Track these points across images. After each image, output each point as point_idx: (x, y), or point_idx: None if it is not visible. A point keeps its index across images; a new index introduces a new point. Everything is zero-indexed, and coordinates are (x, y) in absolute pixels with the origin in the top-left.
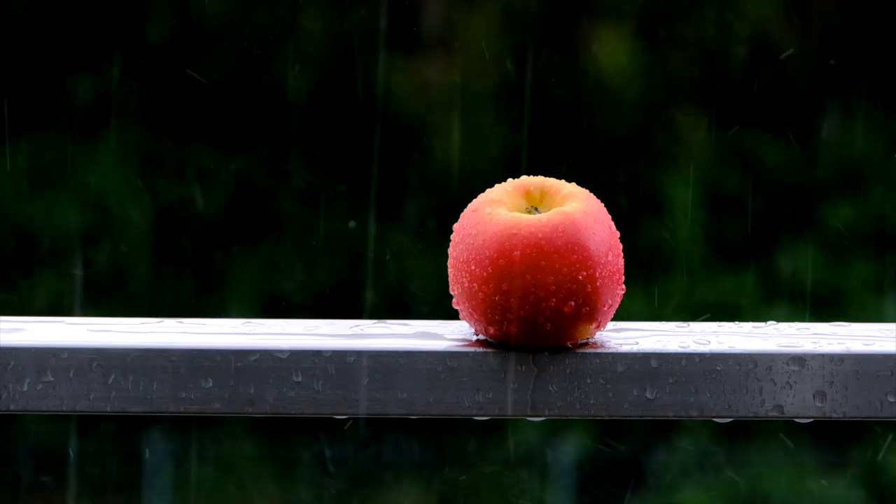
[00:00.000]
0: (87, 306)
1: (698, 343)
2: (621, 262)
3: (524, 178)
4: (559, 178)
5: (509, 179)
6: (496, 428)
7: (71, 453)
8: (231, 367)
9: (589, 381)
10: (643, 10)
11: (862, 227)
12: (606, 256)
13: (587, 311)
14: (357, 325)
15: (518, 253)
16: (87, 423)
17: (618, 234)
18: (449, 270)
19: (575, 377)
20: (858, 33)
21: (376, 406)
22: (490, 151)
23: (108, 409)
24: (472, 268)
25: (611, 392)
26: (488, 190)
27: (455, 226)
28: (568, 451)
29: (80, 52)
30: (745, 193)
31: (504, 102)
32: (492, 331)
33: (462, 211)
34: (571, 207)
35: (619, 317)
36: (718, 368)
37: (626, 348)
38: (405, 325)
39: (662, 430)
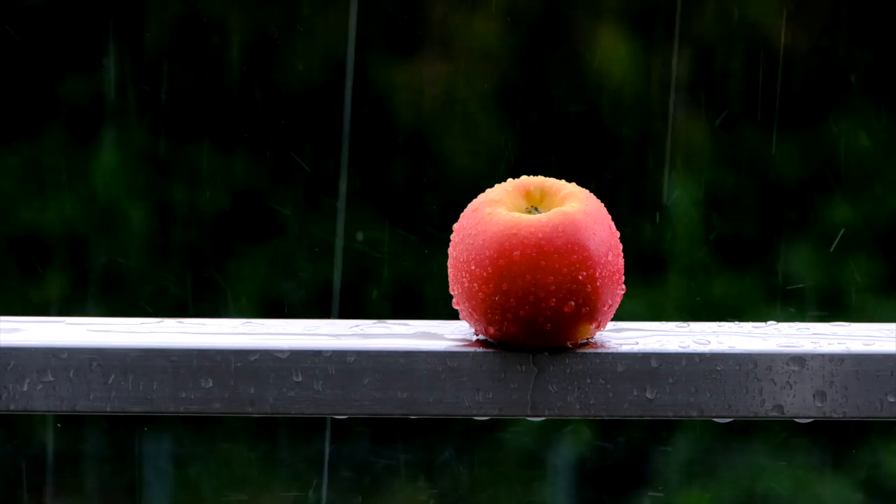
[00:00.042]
0: (87, 306)
1: (698, 343)
2: (621, 262)
3: (524, 178)
4: (559, 178)
5: (509, 179)
6: (496, 428)
7: (71, 453)
8: (231, 367)
9: (589, 381)
10: (643, 10)
11: (862, 227)
12: (606, 256)
13: (587, 311)
14: (357, 325)
15: (518, 253)
16: (87, 423)
17: (618, 234)
18: (449, 270)
19: (575, 377)
20: (859, 33)
21: (376, 406)
22: (490, 151)
23: (108, 409)
24: (472, 268)
25: (611, 392)
26: (488, 190)
27: (455, 226)
28: (568, 451)
29: (80, 52)
30: (745, 193)
31: (504, 102)
32: (492, 331)
33: (462, 211)
34: (571, 207)
35: (619, 317)
36: (718, 368)
37: (626, 348)
38: (405, 325)
39: (662, 430)
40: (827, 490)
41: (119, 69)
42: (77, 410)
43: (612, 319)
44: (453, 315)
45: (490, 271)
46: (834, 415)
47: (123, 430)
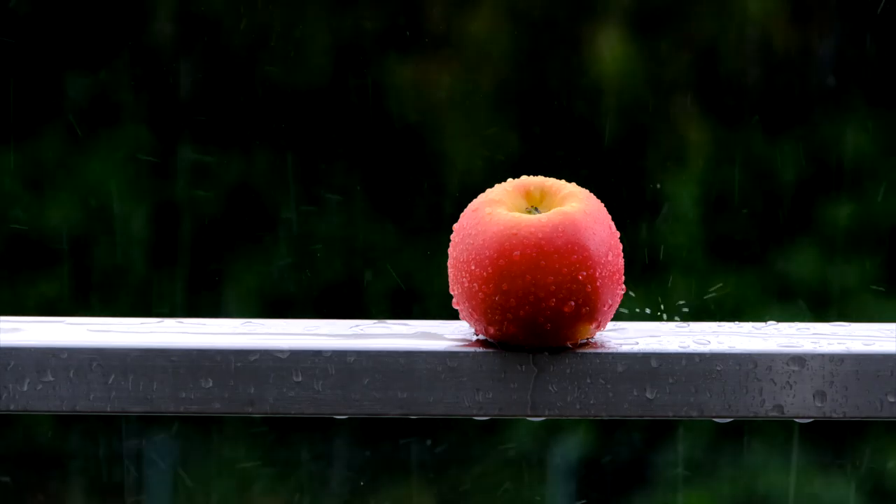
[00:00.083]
0: (87, 306)
1: (698, 343)
2: (621, 262)
3: (524, 178)
4: (559, 178)
5: (509, 179)
6: (496, 428)
7: (70, 454)
8: (231, 367)
9: (589, 381)
10: (643, 10)
11: (862, 227)
12: (606, 256)
13: (587, 311)
14: (357, 325)
15: (518, 253)
16: (87, 424)
17: (618, 234)
18: (449, 270)
19: (575, 377)
20: (858, 33)
21: (376, 406)
22: (490, 151)
23: (108, 409)
24: (472, 268)
25: (611, 392)
26: (488, 190)
27: (455, 226)
28: (568, 451)
29: (80, 51)
30: (745, 193)
31: (504, 102)
32: (492, 331)
33: (462, 211)
34: (571, 207)
35: (619, 317)
36: (718, 368)
37: (626, 348)
38: (405, 325)
39: (662, 430)
40: (827, 490)
41: (119, 69)
42: (77, 410)
43: (612, 319)
44: (453, 315)
45: (490, 271)
46: (834, 415)
47: (124, 429)
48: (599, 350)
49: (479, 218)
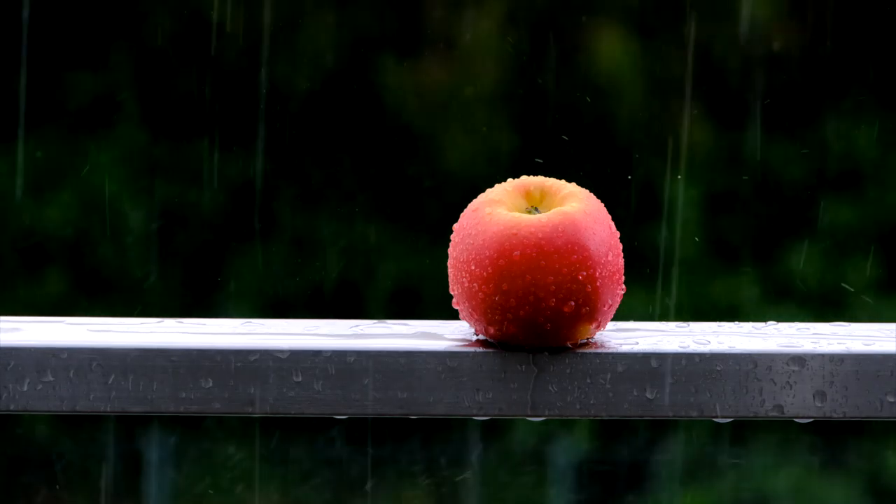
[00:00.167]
0: (87, 306)
1: (698, 343)
2: (621, 262)
3: (524, 178)
4: (559, 177)
5: (509, 179)
6: (496, 428)
7: (69, 453)
8: (231, 367)
9: (589, 381)
10: (643, 11)
11: (862, 227)
12: (606, 256)
13: (587, 311)
14: (357, 325)
15: (518, 253)
16: (86, 424)
17: (618, 234)
18: (449, 270)
19: (575, 377)
20: (858, 33)
21: (376, 406)
22: (490, 151)
23: (108, 409)
24: (472, 268)
25: (611, 392)
26: (488, 190)
27: (455, 226)
28: (568, 451)
29: (81, 51)
30: (745, 193)
31: (505, 102)
32: (492, 331)
33: (462, 211)
34: (571, 207)
35: (619, 317)
36: (718, 368)
37: (626, 348)
38: (405, 325)
39: (662, 430)
40: (827, 490)
41: (120, 69)
42: (77, 410)
43: (612, 319)
44: (453, 315)
45: (490, 271)
46: (834, 415)
47: (123, 429)
48: (599, 350)
49: (479, 218)
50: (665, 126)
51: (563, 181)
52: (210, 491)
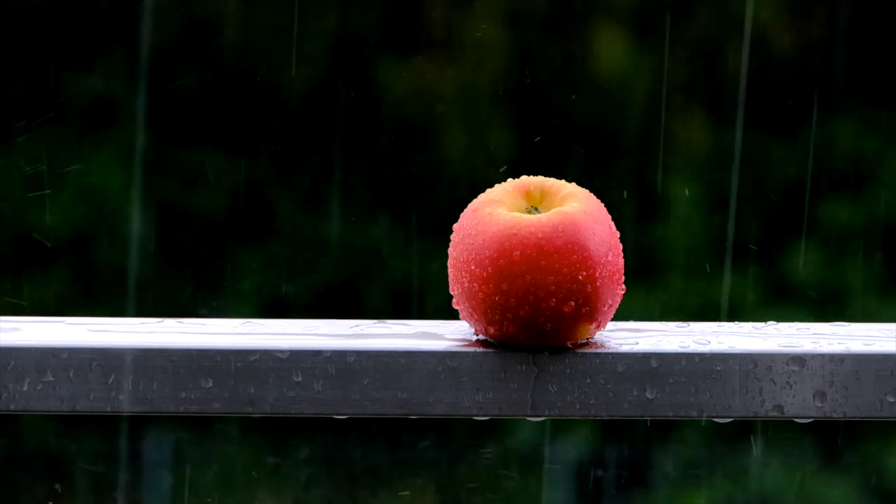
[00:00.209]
0: (87, 306)
1: (698, 343)
2: (621, 262)
3: (524, 178)
4: (559, 177)
5: (509, 179)
6: (496, 428)
7: (69, 454)
8: (231, 367)
9: (589, 381)
10: (643, 10)
11: (862, 226)
12: (606, 256)
13: (587, 311)
14: (357, 325)
15: (518, 253)
16: (86, 424)
17: (618, 234)
18: (449, 270)
19: (575, 377)
20: (858, 32)
21: (376, 406)
22: (490, 151)
23: (108, 409)
24: (472, 268)
25: (611, 392)
26: (488, 190)
27: (455, 226)
28: (568, 451)
29: (81, 51)
30: (745, 193)
31: (504, 102)
32: (492, 331)
33: (462, 211)
34: (571, 207)
35: (619, 317)
36: (718, 368)
37: (626, 348)
38: (405, 325)
39: (662, 430)
40: (827, 490)
41: (119, 69)
42: (77, 410)
43: (612, 319)
44: (453, 315)
45: (490, 271)
46: (834, 415)
47: (123, 429)
48: (599, 350)
49: (479, 218)
50: (665, 126)
51: (563, 181)
52: (210, 491)
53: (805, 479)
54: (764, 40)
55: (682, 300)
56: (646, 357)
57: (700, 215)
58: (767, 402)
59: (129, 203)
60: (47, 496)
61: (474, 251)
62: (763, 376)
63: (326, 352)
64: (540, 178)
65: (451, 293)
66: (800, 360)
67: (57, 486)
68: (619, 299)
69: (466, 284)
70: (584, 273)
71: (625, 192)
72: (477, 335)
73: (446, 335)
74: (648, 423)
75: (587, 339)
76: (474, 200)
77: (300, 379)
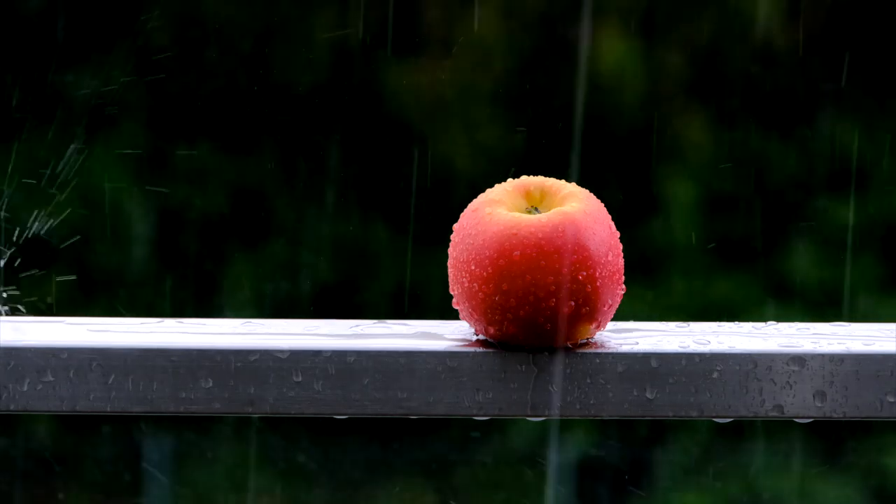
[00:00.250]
0: (87, 306)
1: (698, 343)
2: (621, 262)
3: (524, 178)
4: (559, 177)
5: (509, 179)
6: (496, 428)
7: (69, 454)
8: (231, 367)
9: (589, 381)
10: (643, 10)
11: (862, 226)
12: (606, 256)
13: (587, 311)
14: (357, 325)
15: (518, 253)
16: (86, 424)
17: (618, 234)
18: (449, 270)
19: (575, 377)
20: (858, 32)
21: (376, 406)
22: (490, 151)
23: (108, 409)
24: (472, 268)
25: (611, 392)
26: (488, 190)
27: (455, 226)
28: (568, 451)
29: (81, 51)
30: (745, 193)
31: (504, 102)
32: (492, 331)
33: (462, 211)
34: (571, 207)
35: (619, 317)
36: (718, 368)
37: (626, 348)
38: (405, 325)
39: (662, 430)
40: (827, 490)
41: (119, 68)
42: (77, 410)
43: (612, 319)
44: (453, 315)
45: (490, 271)
46: (834, 415)
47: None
48: (599, 350)
49: (479, 218)
50: (665, 125)
51: (563, 181)
52: (210, 491)
53: (805, 479)
54: (764, 38)
55: (682, 300)
56: (646, 357)
57: (700, 215)
58: (767, 402)
59: (129, 203)
60: (47, 496)
61: (474, 251)
62: (763, 376)
63: (326, 352)
64: (540, 178)
65: (451, 293)
66: (800, 360)
67: (56, 486)
68: (619, 299)
69: (466, 284)
70: (584, 273)
71: (624, 192)
72: (477, 335)
73: (446, 335)
74: (648, 423)
75: (587, 339)
76: (474, 200)
77: (300, 379)
